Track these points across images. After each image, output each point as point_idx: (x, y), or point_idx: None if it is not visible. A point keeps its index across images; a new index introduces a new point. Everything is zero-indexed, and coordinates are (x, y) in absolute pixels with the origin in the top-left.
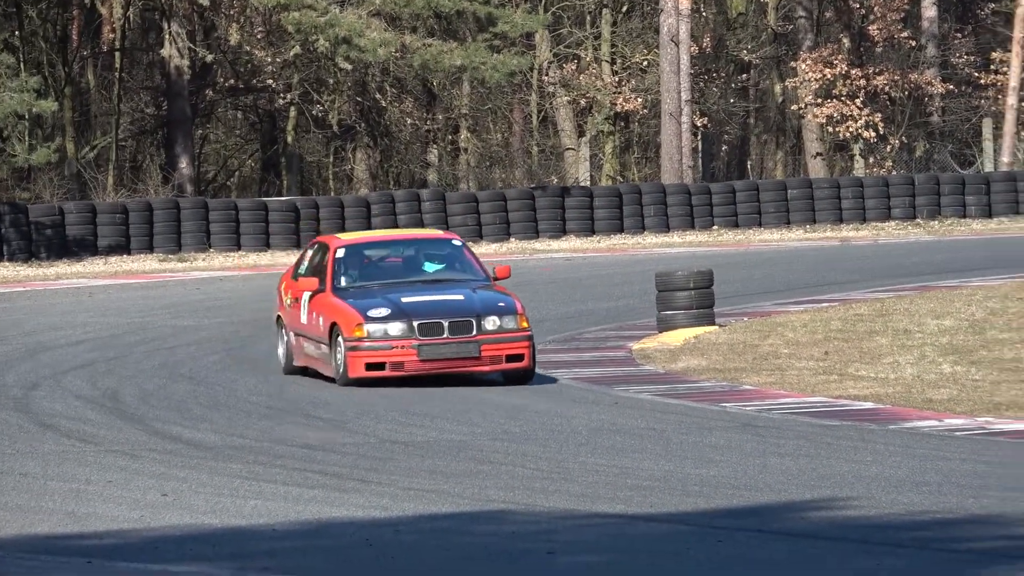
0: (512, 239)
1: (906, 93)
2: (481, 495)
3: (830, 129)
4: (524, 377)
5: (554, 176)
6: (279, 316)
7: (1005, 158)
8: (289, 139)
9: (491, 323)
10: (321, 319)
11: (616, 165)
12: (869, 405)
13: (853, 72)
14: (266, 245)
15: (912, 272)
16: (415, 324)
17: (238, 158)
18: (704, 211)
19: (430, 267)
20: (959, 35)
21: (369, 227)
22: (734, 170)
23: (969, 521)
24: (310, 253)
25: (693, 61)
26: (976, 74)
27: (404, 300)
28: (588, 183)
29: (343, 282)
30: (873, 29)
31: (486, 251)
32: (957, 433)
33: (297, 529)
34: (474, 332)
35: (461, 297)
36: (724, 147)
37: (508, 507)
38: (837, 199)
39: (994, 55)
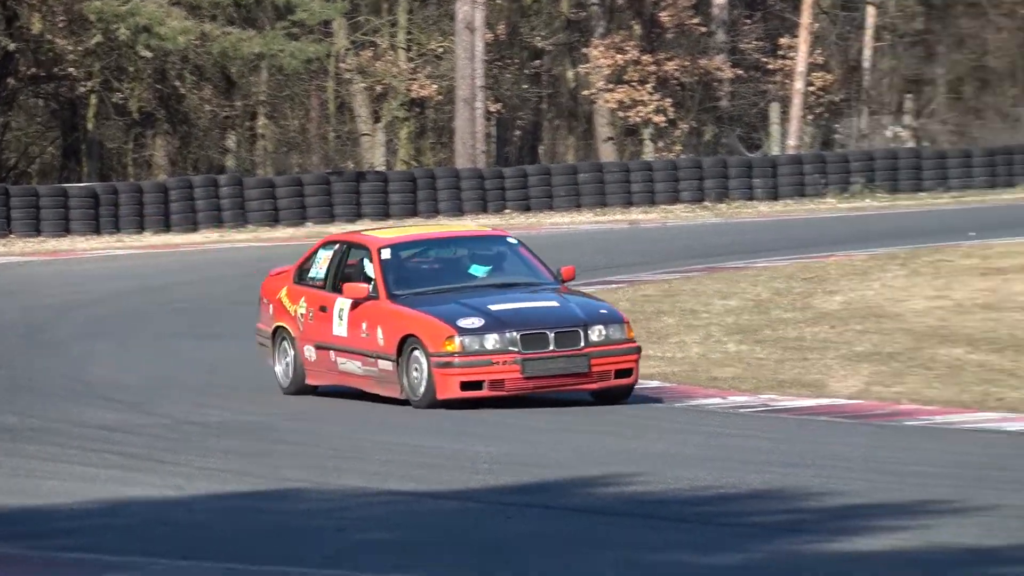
0: (308, 223)
1: (696, 79)
2: (275, 474)
3: (621, 114)
4: (625, 395)
5: (350, 161)
6: (279, 328)
7: (791, 141)
8: (90, 126)
9: (597, 334)
10: (380, 331)
11: (411, 150)
12: (656, 383)
13: (644, 58)
14: (66, 231)
15: (700, 254)
16: (518, 336)
17: (39, 145)
18: (497, 195)
19: (486, 269)
20: (748, 21)
21: (167, 212)
22: (527, 155)
23: (751, 496)
24: (327, 254)
25: (487, 48)
26: (764, 59)
27: (493, 308)
28: (384, 168)
29: (399, 288)
30: (664, 16)
31: (283, 235)
32: (741, 410)
33: (94, 508)
34: (582, 344)
35: (556, 304)
36: (517, 132)
37: (302, 486)
38: (627, 183)
39: (782, 41)
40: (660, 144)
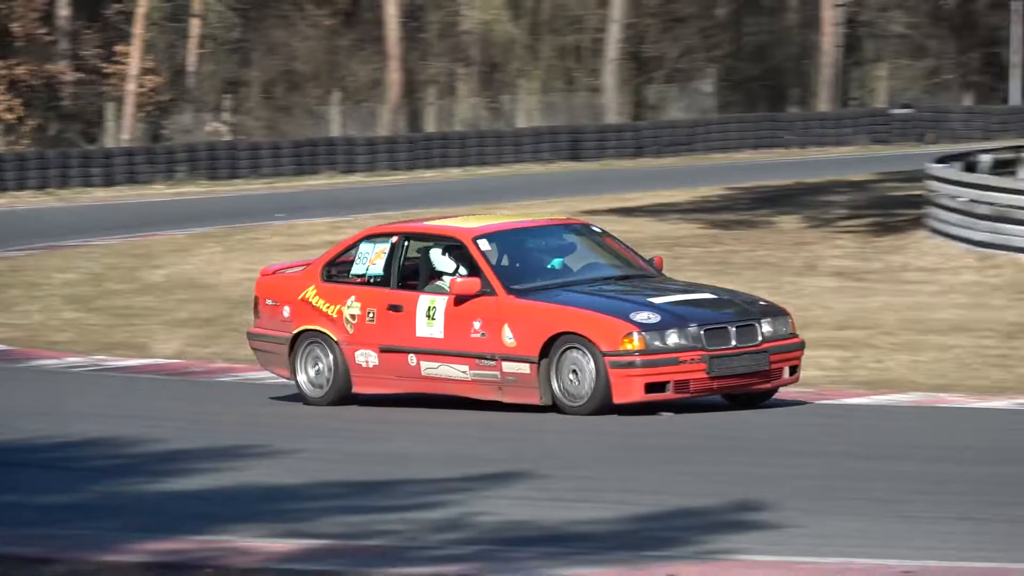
0: None
1: (42, 81)
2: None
3: None
4: (770, 394)
5: None
6: (306, 332)
7: (125, 135)
8: None
9: (768, 327)
10: (509, 330)
11: None
12: (2, 347)
13: None
14: None
15: (44, 234)
16: (702, 332)
17: None
18: None
19: (585, 260)
20: (88, 31)
21: None
22: None
23: (86, 444)
24: (378, 248)
25: None
26: (102, 64)
27: (656, 301)
28: None
29: (515, 282)
30: (15, 27)
31: None
32: (75, 369)
33: None
34: (759, 339)
35: (713, 295)
36: None
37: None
38: None
39: (118, 48)
40: (11, 138)
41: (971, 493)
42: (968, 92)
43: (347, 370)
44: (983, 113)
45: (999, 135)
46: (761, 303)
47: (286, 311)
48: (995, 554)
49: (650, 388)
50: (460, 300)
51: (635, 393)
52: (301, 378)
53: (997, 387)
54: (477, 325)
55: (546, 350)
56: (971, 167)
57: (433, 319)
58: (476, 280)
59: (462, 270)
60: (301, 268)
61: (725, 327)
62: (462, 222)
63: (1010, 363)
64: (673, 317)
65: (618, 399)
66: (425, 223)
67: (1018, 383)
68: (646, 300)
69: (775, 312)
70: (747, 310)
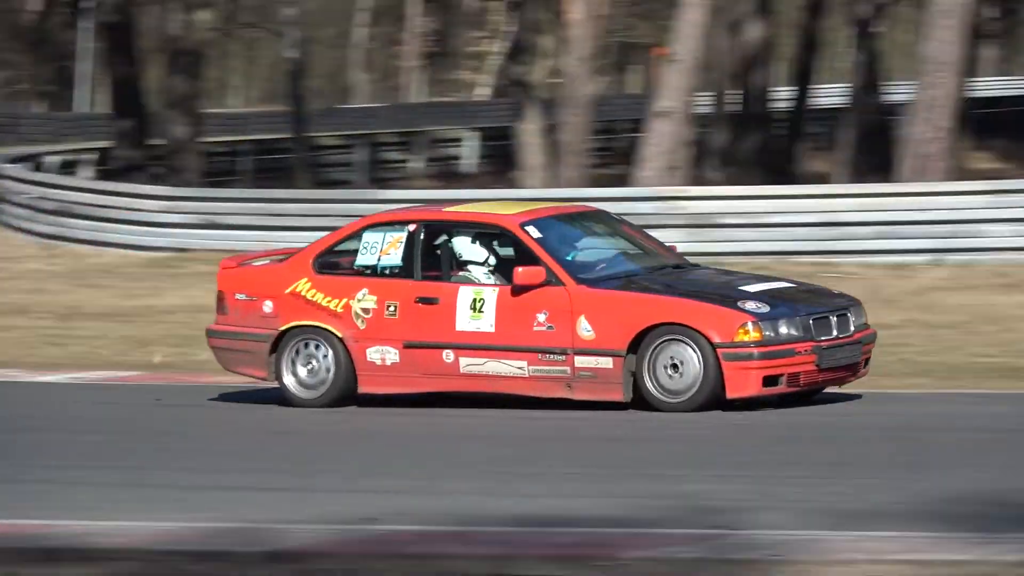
0: None
1: None
2: None
3: None
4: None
5: None
6: (296, 328)
7: None
8: None
9: (854, 317)
10: (586, 322)
11: None
12: None
13: None
14: None
15: None
16: (811, 321)
17: None
18: None
19: (623, 247)
20: None
21: None
22: None
23: None
24: (392, 237)
25: None
26: None
27: (748, 289)
28: None
29: (581, 272)
30: None
31: None
32: None
33: None
34: (851, 330)
35: (792, 284)
36: None
37: None
38: None
39: None
40: None
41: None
42: (42, 100)
43: (352, 369)
44: (53, 119)
45: (68, 139)
46: (836, 291)
47: (267, 306)
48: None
49: (768, 381)
50: (518, 291)
51: (752, 387)
52: (288, 379)
53: (54, 363)
54: (542, 317)
55: (635, 343)
56: (39, 167)
57: (481, 312)
58: (540, 269)
59: (491, 259)
60: (276, 260)
61: (828, 317)
62: (494, 206)
63: (64, 342)
64: (782, 306)
65: (736, 392)
66: (446, 209)
67: (71, 359)
68: (739, 288)
69: (854, 301)
70: (837, 299)
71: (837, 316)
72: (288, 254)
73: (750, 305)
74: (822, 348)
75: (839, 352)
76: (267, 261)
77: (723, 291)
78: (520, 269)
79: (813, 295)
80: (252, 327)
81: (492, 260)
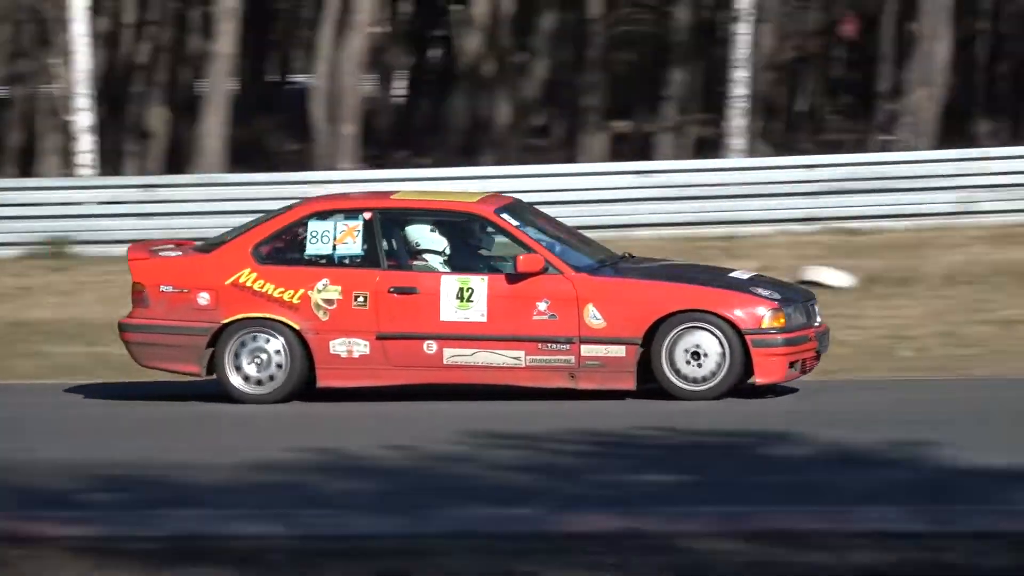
0: None
1: None
2: None
3: None
4: None
5: None
6: (242, 321)
7: None
8: None
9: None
10: (594, 310)
11: None
12: None
13: None
14: None
15: None
16: (813, 308)
17: None
18: None
19: (553, 240)
20: None
21: None
22: None
23: None
24: (339, 226)
25: None
26: None
27: (742, 277)
28: None
29: (570, 260)
30: None
31: None
32: None
33: None
34: (819, 320)
35: (757, 273)
36: None
37: None
38: None
39: None
40: None
41: None
42: None
43: (309, 362)
44: None
45: None
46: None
47: (203, 298)
48: None
49: (792, 367)
50: (514, 279)
51: (779, 372)
52: (233, 376)
53: None
54: (543, 306)
55: (652, 331)
56: None
57: (469, 301)
58: (539, 257)
59: (448, 249)
60: (197, 249)
61: (813, 305)
62: (449, 196)
63: None
64: (786, 293)
65: (766, 377)
66: (394, 197)
67: None
68: (733, 276)
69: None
70: (801, 289)
71: (813, 306)
72: (208, 242)
73: (764, 292)
74: (821, 334)
75: (824, 340)
76: (177, 251)
77: (726, 279)
78: (522, 256)
79: (786, 285)
80: (182, 320)
81: (449, 249)
